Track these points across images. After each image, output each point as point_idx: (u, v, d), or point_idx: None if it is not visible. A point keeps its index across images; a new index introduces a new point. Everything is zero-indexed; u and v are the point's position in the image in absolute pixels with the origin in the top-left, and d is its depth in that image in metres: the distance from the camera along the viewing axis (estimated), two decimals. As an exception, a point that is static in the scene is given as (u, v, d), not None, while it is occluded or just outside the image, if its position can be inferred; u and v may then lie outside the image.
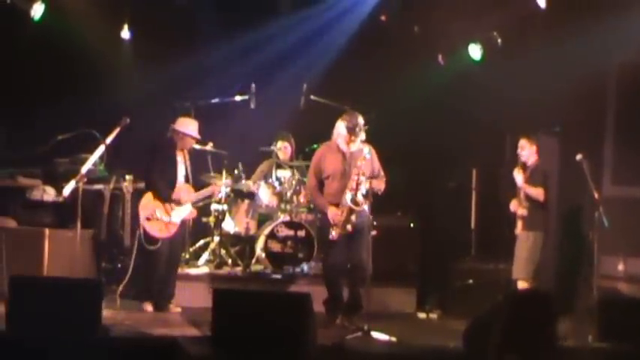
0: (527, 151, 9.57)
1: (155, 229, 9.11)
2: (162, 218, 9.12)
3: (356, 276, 8.90)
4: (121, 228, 10.36)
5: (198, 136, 9.38)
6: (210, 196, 9.80)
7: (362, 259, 8.82)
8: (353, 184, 8.69)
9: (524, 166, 9.56)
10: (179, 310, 9.28)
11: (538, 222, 9.48)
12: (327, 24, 11.55)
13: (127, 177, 9.75)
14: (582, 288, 9.80)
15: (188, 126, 9.31)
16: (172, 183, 9.22)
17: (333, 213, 8.78)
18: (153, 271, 9.17)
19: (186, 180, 9.35)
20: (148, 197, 9.16)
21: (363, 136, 8.78)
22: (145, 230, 9.06)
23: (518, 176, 9.51)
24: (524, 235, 9.49)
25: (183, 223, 9.39)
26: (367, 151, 8.73)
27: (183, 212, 9.25)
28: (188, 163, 9.39)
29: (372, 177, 8.85)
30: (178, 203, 9.19)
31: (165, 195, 9.12)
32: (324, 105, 10.33)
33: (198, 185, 9.66)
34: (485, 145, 11.28)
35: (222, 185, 9.57)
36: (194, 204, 9.42)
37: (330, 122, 9.35)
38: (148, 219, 9.08)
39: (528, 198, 9.47)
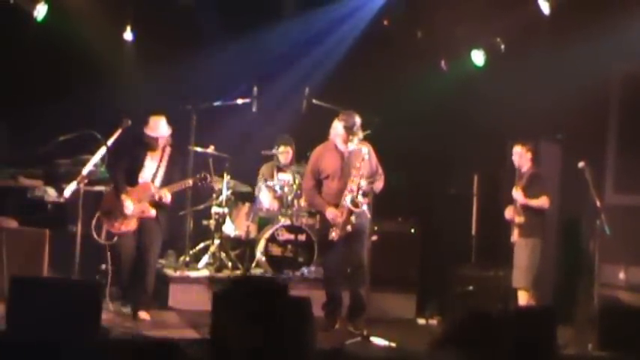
0: (522, 159, 9.52)
1: (109, 224, 9.02)
2: (117, 214, 9.00)
3: (356, 278, 8.92)
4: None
5: (158, 135, 9.12)
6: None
7: (362, 261, 8.87)
8: (352, 186, 8.69)
9: (519, 174, 9.50)
10: (147, 317, 9.07)
11: (535, 229, 9.45)
12: (330, 28, 11.56)
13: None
14: (583, 296, 9.79)
15: (154, 126, 9.14)
16: (133, 181, 9.11)
17: (333, 214, 8.79)
18: (120, 270, 9.10)
19: (153, 180, 9.16)
20: (109, 193, 9.13)
21: (360, 135, 8.79)
22: (100, 224, 8.97)
23: (518, 194, 9.42)
24: (522, 242, 9.45)
25: (144, 221, 9.10)
26: (366, 152, 8.73)
27: (137, 210, 9.04)
28: (165, 163, 9.21)
29: (371, 176, 8.86)
30: (138, 201, 9.04)
31: (119, 190, 8.99)
32: (326, 109, 10.31)
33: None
34: (487, 151, 11.26)
35: (168, 190, 9.10)
36: (156, 204, 9.14)
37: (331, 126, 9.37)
38: (104, 213, 9.00)
39: (525, 206, 9.42)
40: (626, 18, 9.73)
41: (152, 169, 9.18)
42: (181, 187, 9.27)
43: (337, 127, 8.84)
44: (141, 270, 9.15)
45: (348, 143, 8.78)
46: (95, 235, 8.96)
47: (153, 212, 9.09)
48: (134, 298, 9.17)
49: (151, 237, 9.15)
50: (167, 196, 9.08)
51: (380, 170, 9.03)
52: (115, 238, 9.05)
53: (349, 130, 8.73)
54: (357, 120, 8.78)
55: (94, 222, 8.98)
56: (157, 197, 9.07)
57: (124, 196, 8.98)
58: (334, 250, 8.92)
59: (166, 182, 9.19)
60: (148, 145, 9.16)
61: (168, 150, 9.24)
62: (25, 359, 5.68)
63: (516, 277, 9.43)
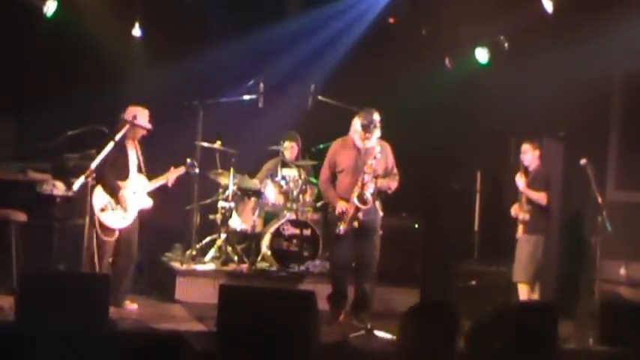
0: (529, 156, 9.61)
1: (111, 220, 8.93)
2: (117, 209, 8.95)
3: (363, 275, 9.01)
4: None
5: (148, 126, 9.12)
6: (165, 185, 9.34)
7: (369, 258, 8.93)
8: (360, 182, 8.79)
9: (526, 171, 9.62)
10: (135, 306, 9.11)
11: (540, 226, 9.52)
12: (336, 25, 11.60)
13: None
14: (584, 292, 9.85)
15: (138, 115, 9.07)
16: (125, 174, 9.05)
17: (340, 207, 8.87)
18: (102, 264, 8.92)
19: (139, 170, 9.16)
20: (100, 189, 8.96)
21: (378, 133, 8.87)
22: (100, 222, 8.87)
23: (520, 181, 9.55)
24: (525, 238, 9.52)
25: (141, 213, 9.15)
26: (378, 150, 8.82)
27: (138, 203, 9.06)
28: (140, 152, 9.19)
29: (385, 174, 8.96)
30: (134, 193, 9.02)
31: (113, 186, 8.93)
32: (331, 105, 10.40)
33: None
34: (490, 148, 11.35)
35: (173, 174, 9.26)
36: (150, 193, 9.19)
37: (337, 123, 9.45)
38: (103, 210, 8.89)
39: (530, 202, 9.51)
40: (629, 17, 9.77)
41: (135, 160, 9.15)
42: (177, 174, 9.32)
43: (355, 124, 8.91)
44: (129, 262, 9.14)
45: (365, 141, 8.87)
46: (102, 235, 8.87)
47: (151, 202, 9.17)
48: (119, 290, 8.98)
49: (136, 228, 9.18)
50: (171, 180, 9.23)
51: (395, 170, 9.10)
52: (117, 233, 8.99)
53: (366, 127, 8.80)
54: (376, 117, 8.83)
55: (96, 223, 8.83)
56: (169, 183, 9.21)
57: (121, 192, 8.95)
58: (341, 244, 8.99)
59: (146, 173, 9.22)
60: (129, 134, 9.00)
61: (136, 143, 9.20)
62: (34, 351, 5.80)
63: (516, 271, 9.51)
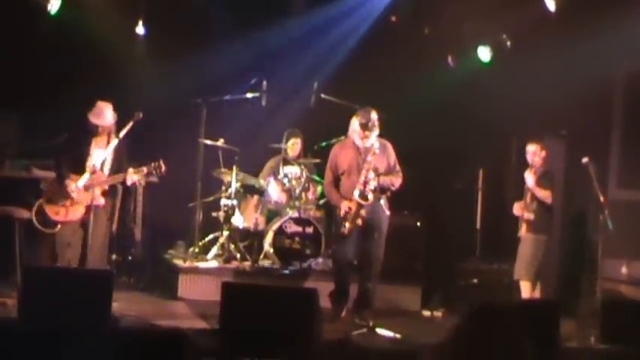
0: (536, 157, 9.60)
1: (52, 212, 8.86)
2: (62, 201, 8.84)
3: (366, 272, 9.03)
4: (132, 221, 10.50)
5: (100, 123, 8.94)
6: (123, 182, 9.09)
7: (373, 256, 8.93)
8: (361, 179, 8.81)
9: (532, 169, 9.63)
10: (115, 304, 9.06)
11: (544, 225, 9.53)
12: (339, 24, 11.62)
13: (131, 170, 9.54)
14: (585, 290, 9.87)
15: (99, 112, 8.98)
16: (80, 168, 8.91)
17: (344, 207, 8.89)
18: (60, 259, 8.86)
19: (102, 166, 8.94)
20: (52, 180, 8.98)
21: (376, 131, 8.89)
22: (43, 211, 8.82)
23: (529, 177, 9.54)
24: (528, 237, 9.53)
25: (93, 209, 8.82)
26: (377, 146, 8.83)
27: (87, 197, 8.82)
28: (112, 151, 8.95)
29: (388, 172, 8.97)
30: (86, 188, 8.83)
31: (61, 177, 8.86)
32: (334, 103, 10.42)
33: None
34: (492, 147, 11.37)
35: (133, 173, 8.94)
36: (105, 192, 8.98)
37: (340, 120, 9.46)
38: (48, 201, 8.85)
39: (536, 201, 9.49)
40: (631, 16, 9.76)
41: (100, 157, 8.95)
42: (136, 176, 8.99)
43: (354, 124, 8.93)
44: (77, 257, 8.95)
45: (364, 139, 8.89)
46: (36, 223, 8.83)
47: (102, 200, 8.94)
48: None
49: (100, 225, 8.98)
50: (133, 177, 8.96)
51: (398, 167, 9.11)
52: (59, 226, 8.91)
53: (364, 126, 8.81)
54: (373, 116, 8.84)
55: (34, 209, 8.83)
56: (128, 181, 8.97)
57: (68, 182, 8.83)
58: (345, 241, 9.01)
59: (115, 171, 9.02)
60: (90, 131, 8.98)
61: (113, 138, 9.00)
62: (36, 348, 5.81)
63: (518, 269, 9.54)
